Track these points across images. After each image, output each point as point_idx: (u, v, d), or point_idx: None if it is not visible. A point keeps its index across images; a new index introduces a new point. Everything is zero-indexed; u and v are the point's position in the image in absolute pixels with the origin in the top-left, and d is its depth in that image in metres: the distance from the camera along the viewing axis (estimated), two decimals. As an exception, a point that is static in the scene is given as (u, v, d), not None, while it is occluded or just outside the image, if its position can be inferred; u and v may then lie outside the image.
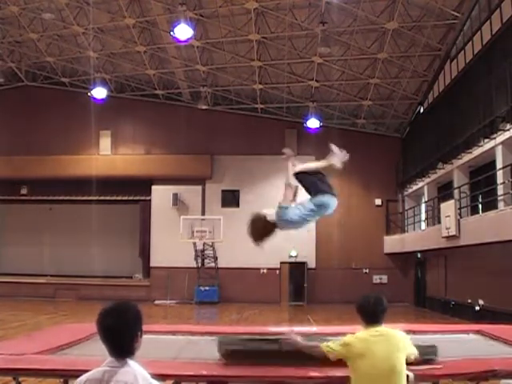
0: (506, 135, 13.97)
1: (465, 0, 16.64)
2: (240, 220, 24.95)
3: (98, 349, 5.60)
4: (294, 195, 4.66)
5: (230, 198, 25.43)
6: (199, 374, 4.18)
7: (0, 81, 24.27)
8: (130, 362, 2.35)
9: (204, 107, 24.14)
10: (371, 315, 3.71)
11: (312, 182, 4.55)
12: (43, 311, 18.80)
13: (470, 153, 16.46)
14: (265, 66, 21.75)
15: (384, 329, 3.70)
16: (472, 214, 16.19)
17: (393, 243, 23.94)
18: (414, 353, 3.75)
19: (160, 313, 19.71)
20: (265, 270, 24.59)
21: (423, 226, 22.37)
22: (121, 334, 2.35)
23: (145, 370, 2.37)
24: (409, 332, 4.87)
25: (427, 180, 21.04)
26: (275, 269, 24.59)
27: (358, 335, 3.70)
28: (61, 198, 25.87)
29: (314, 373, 4.07)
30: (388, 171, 24.74)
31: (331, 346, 3.80)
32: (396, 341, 3.63)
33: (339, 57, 20.50)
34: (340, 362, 3.81)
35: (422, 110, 23.05)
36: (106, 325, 2.36)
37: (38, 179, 24.99)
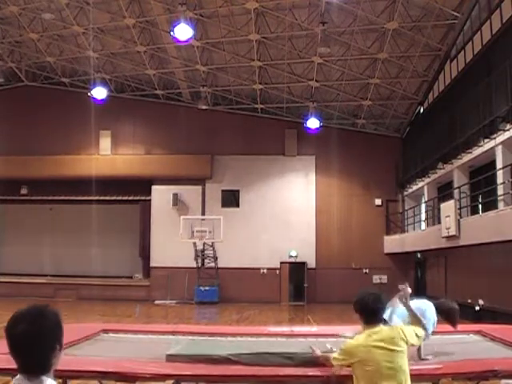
0: (506, 135, 13.95)
1: (465, 0, 16.63)
2: (240, 220, 25.09)
3: (99, 349, 5.60)
4: None
5: (230, 198, 25.42)
6: (199, 373, 4.19)
7: (0, 81, 24.25)
8: (46, 379, 1.92)
9: (204, 107, 24.11)
10: (371, 314, 3.61)
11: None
12: (43, 311, 18.74)
13: (470, 153, 16.44)
14: (265, 65, 21.74)
15: (384, 331, 3.60)
16: (472, 214, 16.16)
17: (393, 243, 23.92)
18: (414, 341, 3.69)
19: (160, 313, 19.72)
20: (265, 270, 24.57)
21: (423, 226, 22.35)
22: (34, 345, 1.89)
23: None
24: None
25: (427, 180, 21.01)
26: (275, 269, 24.57)
27: (359, 342, 3.59)
28: (61, 198, 25.83)
29: (313, 372, 4.07)
30: (388, 171, 24.72)
31: (336, 356, 3.75)
32: (396, 340, 3.54)
33: (339, 57, 20.48)
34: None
35: (422, 110, 23.03)
36: (15, 332, 1.91)
37: (38, 179, 24.95)
